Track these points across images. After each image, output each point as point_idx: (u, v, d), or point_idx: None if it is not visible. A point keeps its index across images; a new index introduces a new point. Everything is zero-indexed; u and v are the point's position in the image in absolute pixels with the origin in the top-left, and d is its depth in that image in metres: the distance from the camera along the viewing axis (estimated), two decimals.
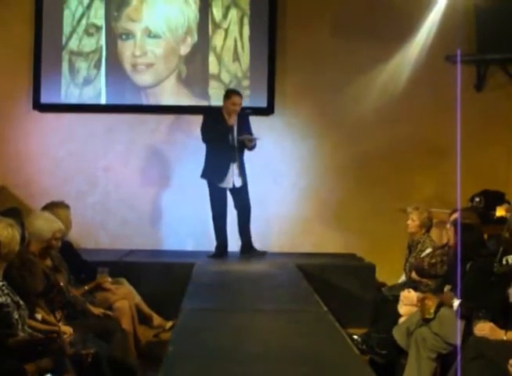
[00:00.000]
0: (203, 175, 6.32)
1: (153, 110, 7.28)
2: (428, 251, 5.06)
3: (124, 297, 4.86)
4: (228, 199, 6.39)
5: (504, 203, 6.24)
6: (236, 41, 7.29)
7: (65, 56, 7.26)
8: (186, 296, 4.44)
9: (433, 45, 6.89)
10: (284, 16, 7.24)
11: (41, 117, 7.24)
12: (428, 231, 5.33)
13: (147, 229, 7.19)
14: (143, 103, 7.31)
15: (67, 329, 3.80)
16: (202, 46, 7.30)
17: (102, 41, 7.29)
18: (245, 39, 7.28)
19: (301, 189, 7.26)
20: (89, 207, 7.17)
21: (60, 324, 3.88)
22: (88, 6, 7.26)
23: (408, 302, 4.50)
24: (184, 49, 7.31)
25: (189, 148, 7.11)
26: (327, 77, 7.18)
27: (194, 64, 7.31)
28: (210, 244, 6.43)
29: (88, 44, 7.27)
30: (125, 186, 7.23)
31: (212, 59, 7.29)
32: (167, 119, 7.30)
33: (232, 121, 6.19)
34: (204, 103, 7.23)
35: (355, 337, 4.67)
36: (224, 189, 6.30)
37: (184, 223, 7.10)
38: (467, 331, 3.78)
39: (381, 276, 6.30)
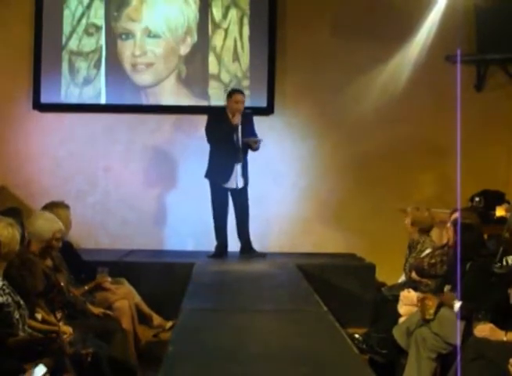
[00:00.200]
0: (207, 175, 6.32)
1: (153, 110, 7.27)
2: (428, 251, 5.05)
3: (124, 297, 4.86)
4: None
5: (504, 203, 6.24)
6: (235, 41, 7.29)
7: (65, 56, 7.26)
8: (186, 296, 4.44)
9: (433, 45, 6.89)
10: (284, 16, 7.25)
11: (41, 117, 7.24)
12: (428, 231, 5.32)
13: (147, 229, 7.19)
14: (143, 102, 7.31)
15: (67, 329, 3.80)
16: (202, 46, 7.29)
17: (102, 41, 7.29)
18: (245, 39, 7.28)
19: (301, 189, 7.27)
20: (89, 207, 7.18)
21: (60, 324, 3.88)
22: (88, 6, 7.26)
23: (408, 302, 4.49)
24: (184, 49, 7.31)
25: (189, 148, 7.12)
26: (327, 77, 7.18)
27: (194, 64, 7.31)
28: (211, 244, 6.43)
29: (88, 44, 7.27)
30: (125, 186, 7.23)
31: (212, 59, 7.29)
32: (167, 119, 7.30)
33: (236, 120, 6.19)
34: (204, 103, 7.23)
35: (356, 336, 4.67)
36: (226, 190, 6.30)
37: (184, 223, 7.10)
38: (467, 332, 3.78)
39: (381, 276, 6.30)
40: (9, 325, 3.37)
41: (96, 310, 4.43)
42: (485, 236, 4.85)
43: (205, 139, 6.31)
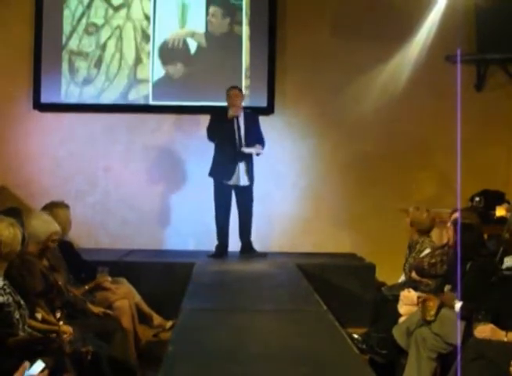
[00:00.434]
0: (211, 174, 6.33)
1: (153, 110, 7.27)
2: (427, 251, 5.05)
3: (124, 296, 4.85)
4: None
5: (504, 203, 6.24)
6: (236, 41, 7.28)
7: (65, 56, 7.26)
8: (186, 296, 4.44)
9: (433, 45, 6.89)
10: (284, 15, 7.25)
11: (41, 117, 7.24)
12: (427, 232, 5.32)
13: (147, 229, 7.19)
14: (143, 102, 7.31)
15: (67, 328, 3.79)
16: (202, 46, 7.28)
17: (103, 41, 7.28)
18: (245, 39, 7.28)
19: (301, 189, 7.27)
20: (89, 207, 7.18)
21: (60, 324, 3.87)
22: (88, 6, 7.26)
23: (408, 302, 4.49)
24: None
25: (189, 148, 7.12)
26: (327, 77, 7.18)
27: (194, 64, 7.31)
28: (211, 244, 6.43)
29: (88, 43, 7.27)
30: (125, 186, 7.23)
31: (212, 59, 7.28)
32: (168, 119, 7.30)
33: (232, 113, 6.20)
34: (204, 103, 7.22)
35: (355, 336, 4.67)
36: (229, 188, 6.30)
37: (184, 223, 7.11)
38: (467, 332, 3.77)
39: (381, 276, 6.30)
40: (9, 325, 3.36)
41: (96, 310, 4.43)
42: (485, 236, 4.86)
43: (205, 138, 6.33)
